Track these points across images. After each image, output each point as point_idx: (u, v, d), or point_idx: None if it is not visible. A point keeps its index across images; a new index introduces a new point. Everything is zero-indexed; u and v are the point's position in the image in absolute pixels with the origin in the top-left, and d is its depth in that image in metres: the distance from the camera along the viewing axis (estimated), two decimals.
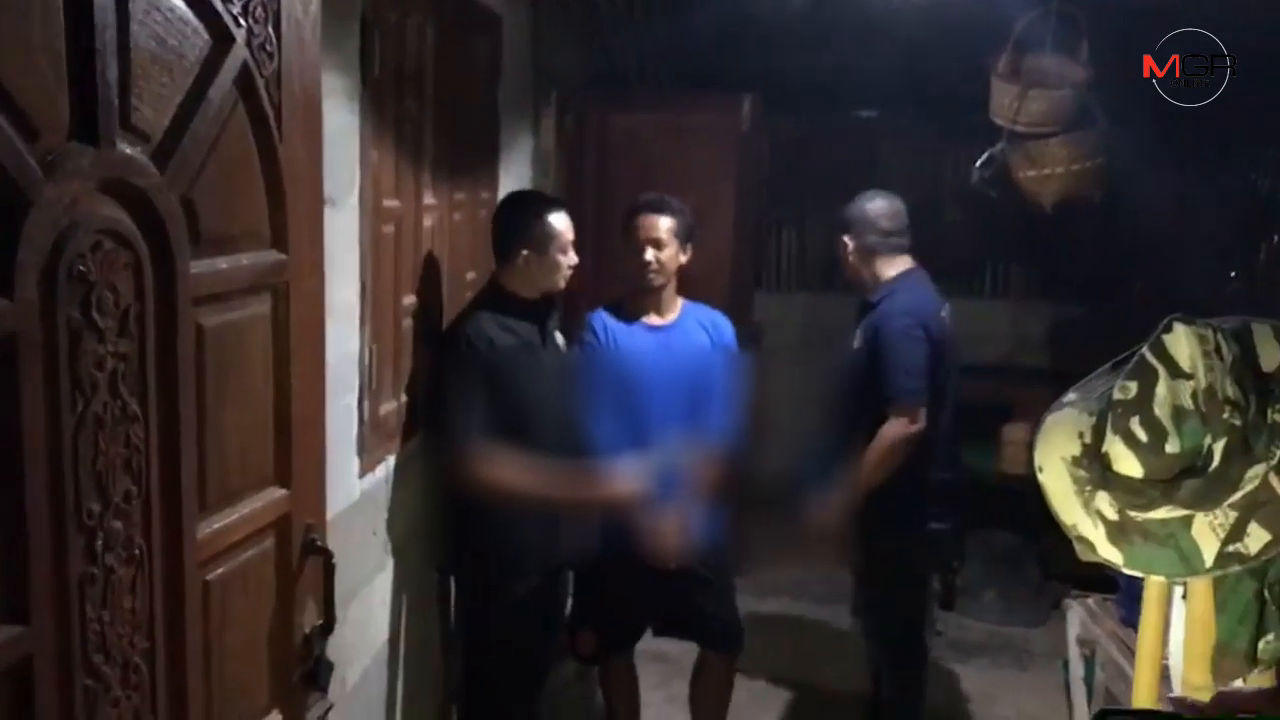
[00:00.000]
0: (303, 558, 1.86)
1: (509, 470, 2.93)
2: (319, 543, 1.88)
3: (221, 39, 1.56)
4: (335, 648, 2.58)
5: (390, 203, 2.82)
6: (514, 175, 4.20)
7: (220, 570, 1.66)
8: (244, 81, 1.61)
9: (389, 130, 2.79)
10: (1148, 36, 3.69)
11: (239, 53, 1.58)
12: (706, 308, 3.57)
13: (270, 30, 1.68)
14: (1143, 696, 1.72)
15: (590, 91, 5.21)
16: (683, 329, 3.48)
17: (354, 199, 2.58)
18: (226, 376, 1.64)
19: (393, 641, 3.03)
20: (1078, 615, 3.44)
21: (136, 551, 1.45)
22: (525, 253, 3.08)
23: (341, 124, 2.48)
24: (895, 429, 3.33)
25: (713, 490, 3.36)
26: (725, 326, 3.54)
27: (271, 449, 1.77)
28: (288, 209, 1.73)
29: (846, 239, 3.58)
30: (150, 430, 1.46)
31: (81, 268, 1.31)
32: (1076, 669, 3.52)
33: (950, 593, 5.30)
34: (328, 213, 2.40)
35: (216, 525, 1.64)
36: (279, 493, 1.79)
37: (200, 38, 1.51)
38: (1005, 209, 4.90)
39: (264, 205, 1.69)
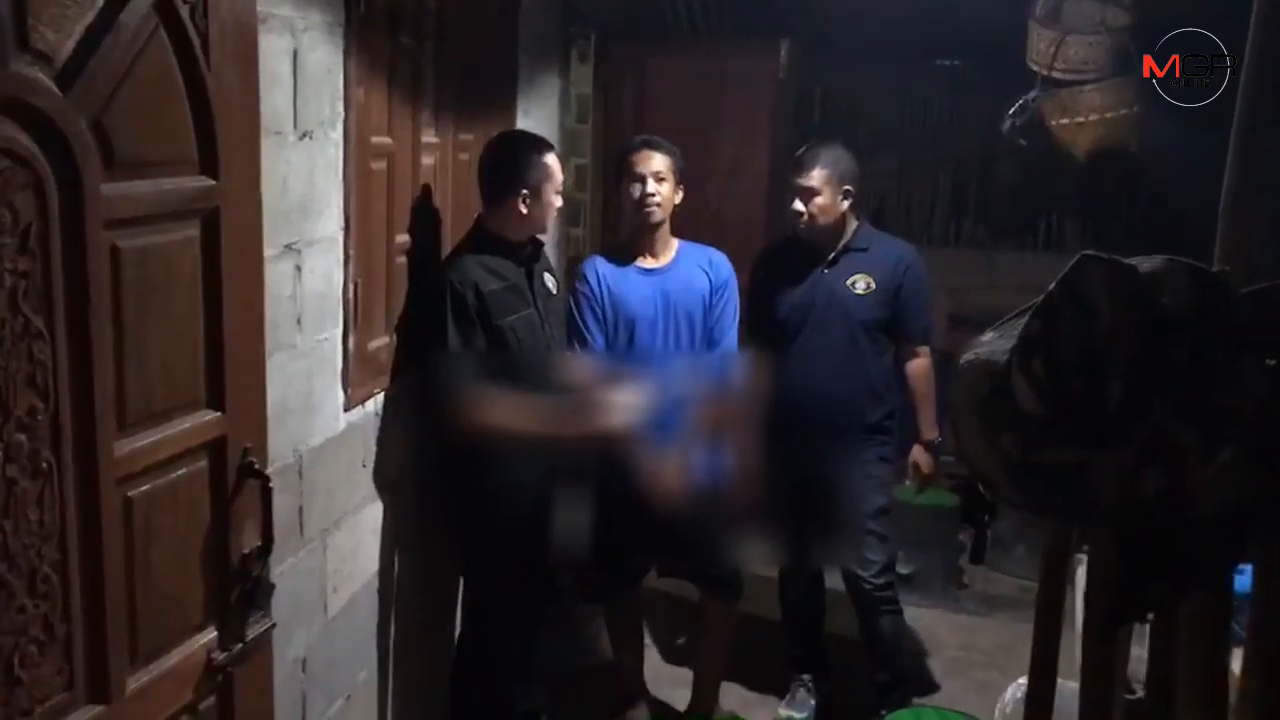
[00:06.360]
0: (239, 480, 1.90)
1: (499, 410, 2.92)
2: (257, 466, 1.92)
3: None
4: (315, 573, 2.66)
5: (380, 139, 2.83)
6: (535, 117, 4.19)
7: (144, 487, 1.70)
8: (165, 9, 1.63)
9: (380, 66, 2.80)
10: None
11: None
12: (702, 246, 3.54)
13: None
14: (1045, 645, 1.70)
15: (628, 34, 5.18)
16: (679, 270, 3.45)
17: (337, 134, 2.60)
18: (149, 299, 1.67)
19: (384, 573, 3.07)
20: (1083, 572, 3.38)
21: (44, 465, 1.50)
22: (525, 193, 3.07)
23: (322, 59, 2.50)
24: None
25: (716, 430, 3.35)
26: (722, 264, 3.50)
27: (203, 372, 1.81)
28: (218, 137, 1.76)
29: (848, 188, 3.59)
30: (58, 348, 1.50)
31: None
32: (1078, 624, 3.47)
33: (981, 546, 5.25)
34: (305, 146, 2.44)
35: (139, 444, 1.68)
36: (211, 415, 1.83)
37: None
38: (1062, 161, 4.78)
39: (191, 132, 1.72)
